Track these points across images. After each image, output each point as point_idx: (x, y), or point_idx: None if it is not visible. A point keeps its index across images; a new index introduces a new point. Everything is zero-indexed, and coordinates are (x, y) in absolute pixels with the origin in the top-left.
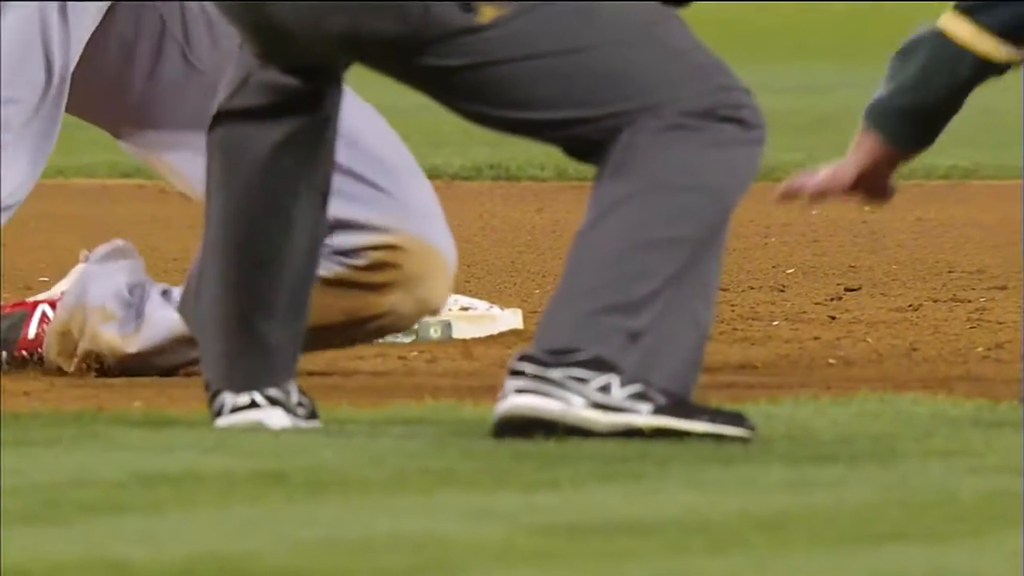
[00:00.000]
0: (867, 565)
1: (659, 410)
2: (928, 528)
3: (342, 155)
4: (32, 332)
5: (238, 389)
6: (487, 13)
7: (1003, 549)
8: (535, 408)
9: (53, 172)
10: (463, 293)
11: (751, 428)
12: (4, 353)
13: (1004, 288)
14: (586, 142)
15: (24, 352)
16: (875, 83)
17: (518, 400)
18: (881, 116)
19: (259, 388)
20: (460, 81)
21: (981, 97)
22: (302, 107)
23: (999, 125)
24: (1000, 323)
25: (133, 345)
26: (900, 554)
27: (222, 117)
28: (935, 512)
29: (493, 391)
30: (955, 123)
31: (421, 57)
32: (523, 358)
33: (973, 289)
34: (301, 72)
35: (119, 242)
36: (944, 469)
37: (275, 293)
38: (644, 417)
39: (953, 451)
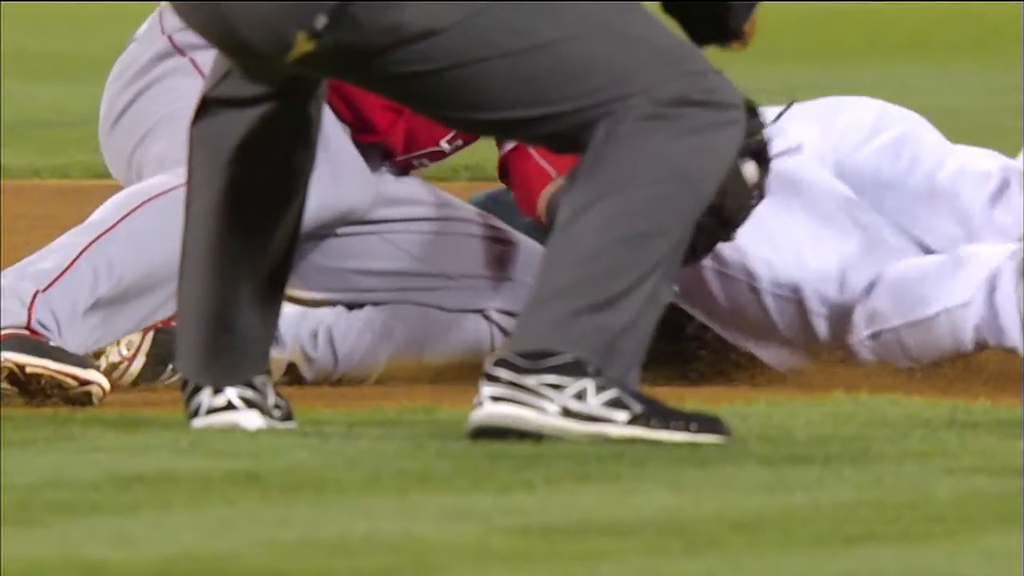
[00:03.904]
0: (843, 565)
1: (635, 419)
2: (903, 528)
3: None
4: None
5: (213, 383)
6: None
7: (978, 549)
8: (510, 417)
9: (29, 173)
10: None
11: (727, 433)
12: (171, 366)
13: None
14: (563, 139)
15: None
16: (845, 86)
17: (493, 409)
18: None
19: (233, 382)
20: (426, 86)
21: (982, 97)
22: (286, 95)
23: (1000, 125)
24: None
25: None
26: (875, 554)
27: (207, 105)
28: (910, 513)
29: (468, 393)
30: (954, 124)
31: (383, 65)
32: (499, 363)
33: None
34: (285, 84)
35: None
36: (919, 470)
37: (254, 285)
38: (619, 427)
39: (928, 452)
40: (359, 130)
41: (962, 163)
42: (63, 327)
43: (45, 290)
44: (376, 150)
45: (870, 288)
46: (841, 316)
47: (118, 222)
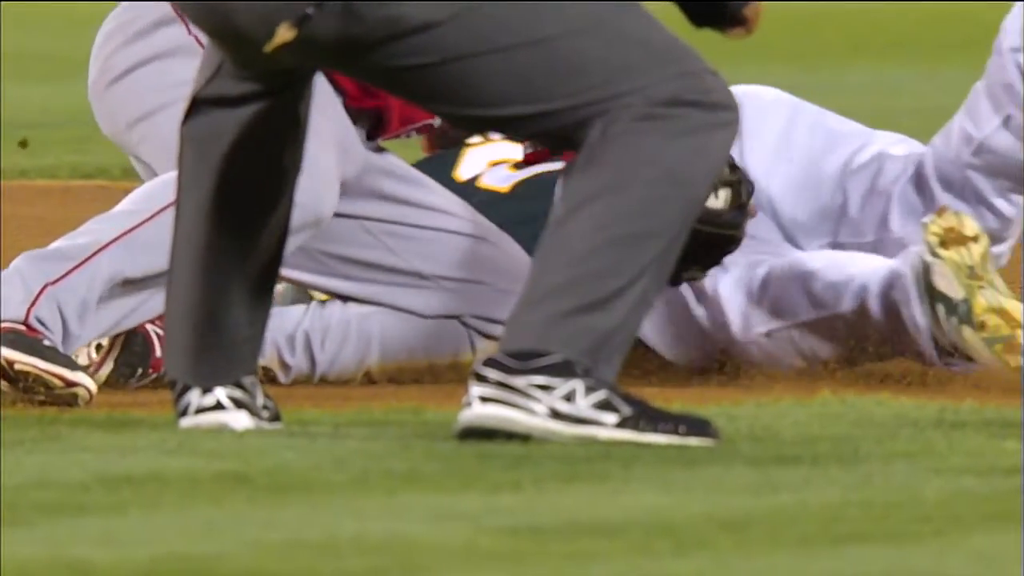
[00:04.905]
0: (831, 565)
1: (624, 422)
2: (891, 529)
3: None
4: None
5: (202, 383)
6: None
7: (966, 549)
8: (498, 418)
9: (16, 173)
10: None
11: (716, 436)
12: (140, 370)
13: None
14: (557, 137)
15: (157, 372)
16: (832, 87)
17: (481, 410)
18: None
19: (222, 382)
20: (421, 80)
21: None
22: (276, 91)
23: None
24: None
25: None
26: (863, 554)
27: (197, 105)
28: (898, 513)
29: (457, 394)
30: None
31: (380, 57)
32: (488, 363)
33: None
34: (277, 75)
35: None
36: (907, 470)
37: (243, 286)
38: (608, 430)
39: (916, 452)
40: (357, 96)
41: (882, 147)
42: (69, 321)
43: (55, 282)
44: (365, 119)
45: (764, 285)
46: (722, 312)
47: (148, 219)
